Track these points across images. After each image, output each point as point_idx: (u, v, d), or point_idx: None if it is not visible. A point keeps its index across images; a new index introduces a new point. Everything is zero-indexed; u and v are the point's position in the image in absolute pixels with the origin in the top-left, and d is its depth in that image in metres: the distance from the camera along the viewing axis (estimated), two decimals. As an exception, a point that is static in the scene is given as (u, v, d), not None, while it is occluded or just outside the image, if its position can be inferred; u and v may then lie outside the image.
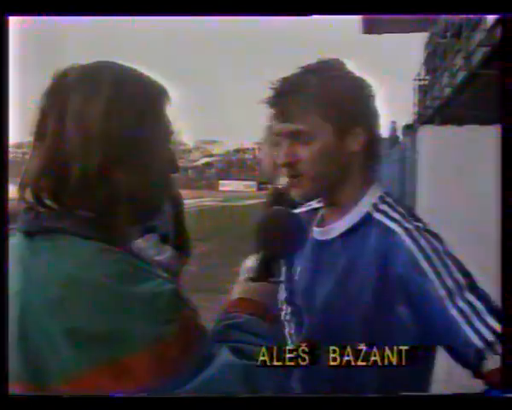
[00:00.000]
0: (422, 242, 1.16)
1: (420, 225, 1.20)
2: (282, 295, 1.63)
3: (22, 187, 0.95)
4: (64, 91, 0.93)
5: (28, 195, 0.94)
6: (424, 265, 1.14)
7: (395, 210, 1.24)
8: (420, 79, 13.89)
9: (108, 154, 0.92)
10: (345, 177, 1.26)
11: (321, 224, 1.35)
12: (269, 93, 1.25)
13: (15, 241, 0.94)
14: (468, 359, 1.10)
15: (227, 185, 57.49)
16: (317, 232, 1.34)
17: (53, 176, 0.92)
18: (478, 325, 1.10)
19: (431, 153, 4.12)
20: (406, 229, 1.19)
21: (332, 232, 1.30)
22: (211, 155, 77.86)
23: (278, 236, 1.15)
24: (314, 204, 1.44)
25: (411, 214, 1.24)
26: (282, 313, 1.64)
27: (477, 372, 1.11)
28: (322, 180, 1.25)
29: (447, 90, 9.80)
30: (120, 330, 0.85)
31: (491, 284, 1.18)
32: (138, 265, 0.93)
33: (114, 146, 0.93)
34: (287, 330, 1.63)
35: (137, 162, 0.95)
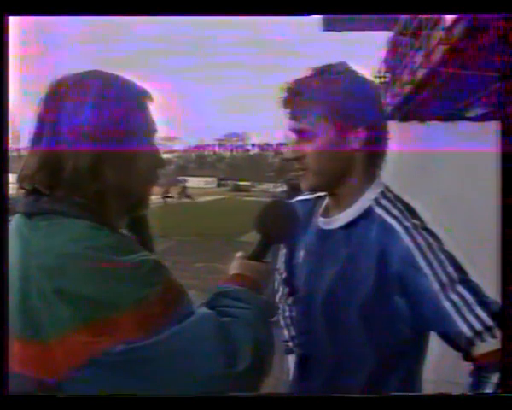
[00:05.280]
0: (419, 239, 1.25)
1: (417, 222, 1.28)
2: (281, 276, 1.67)
3: (21, 180, 1.07)
4: (57, 99, 1.05)
5: (26, 185, 1.07)
6: (420, 261, 1.23)
7: (395, 206, 1.32)
8: (380, 77, 14.09)
9: (96, 152, 1.03)
10: (347, 172, 1.34)
11: (325, 214, 1.43)
12: (282, 93, 1.33)
13: (15, 221, 1.05)
14: (460, 345, 1.22)
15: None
16: (321, 222, 1.42)
17: (48, 171, 1.04)
18: (468, 315, 1.19)
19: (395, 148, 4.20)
20: (405, 227, 1.27)
21: (335, 223, 1.38)
22: (171, 152, 77.44)
23: (276, 223, 1.23)
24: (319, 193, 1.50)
25: (409, 211, 1.32)
26: (278, 295, 1.70)
27: (467, 357, 1.23)
28: (325, 174, 1.33)
29: (407, 88, 9.98)
30: (107, 292, 0.96)
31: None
32: (124, 240, 1.06)
33: (101, 145, 1.03)
34: (281, 311, 1.68)
35: (123, 158, 1.06)
